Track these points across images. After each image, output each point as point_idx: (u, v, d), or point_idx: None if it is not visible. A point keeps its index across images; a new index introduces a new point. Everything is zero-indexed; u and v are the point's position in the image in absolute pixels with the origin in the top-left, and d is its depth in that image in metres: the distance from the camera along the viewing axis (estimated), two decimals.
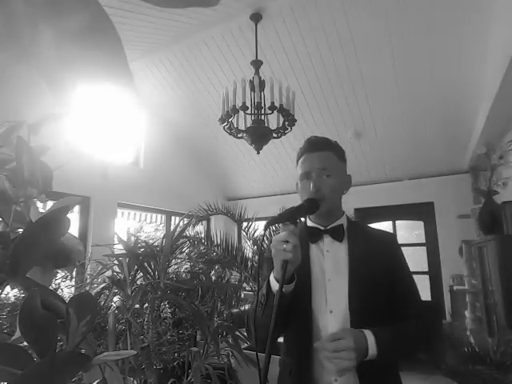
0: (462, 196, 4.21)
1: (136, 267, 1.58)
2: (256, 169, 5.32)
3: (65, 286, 2.14)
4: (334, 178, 1.06)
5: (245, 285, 3.20)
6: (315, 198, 1.02)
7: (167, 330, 1.93)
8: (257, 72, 2.82)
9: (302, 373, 1.00)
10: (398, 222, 4.89)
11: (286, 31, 3.18)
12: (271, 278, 0.97)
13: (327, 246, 1.08)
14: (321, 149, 1.09)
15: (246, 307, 3.30)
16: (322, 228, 1.09)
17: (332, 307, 1.00)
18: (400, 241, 1.15)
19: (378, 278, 1.00)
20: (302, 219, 1.16)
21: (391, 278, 1.02)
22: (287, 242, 0.88)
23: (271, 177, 5.42)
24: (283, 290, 0.88)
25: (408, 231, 4.88)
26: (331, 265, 1.05)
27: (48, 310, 0.34)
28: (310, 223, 1.13)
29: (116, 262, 1.63)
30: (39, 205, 0.50)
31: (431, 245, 4.52)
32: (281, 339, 1.12)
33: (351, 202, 1.19)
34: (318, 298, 1.02)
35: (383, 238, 1.12)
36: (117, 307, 1.45)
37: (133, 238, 1.72)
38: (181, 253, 2.18)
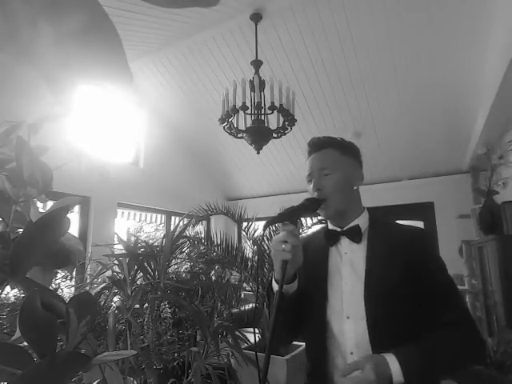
0: (462, 196, 4.20)
1: (136, 267, 1.58)
2: (256, 169, 5.32)
3: (65, 285, 2.13)
4: (336, 174, 1.02)
5: (245, 285, 3.19)
6: (317, 197, 1.01)
7: (167, 330, 1.92)
8: (257, 72, 2.82)
9: (317, 377, 0.99)
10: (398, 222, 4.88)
11: (286, 31, 3.18)
12: (273, 278, 0.97)
13: (345, 248, 1.03)
14: (320, 148, 1.07)
15: (246, 307, 3.30)
16: (339, 229, 1.05)
17: (349, 312, 0.94)
18: None
19: (399, 279, 0.91)
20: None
21: (418, 277, 0.91)
22: (286, 242, 0.87)
23: (271, 177, 5.42)
24: (283, 290, 0.88)
25: None
26: (348, 268, 1.00)
27: (48, 310, 0.34)
28: (330, 226, 1.09)
29: (116, 262, 1.62)
30: (39, 205, 0.50)
31: None
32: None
33: None
34: (334, 303, 0.97)
35: (408, 234, 1.01)
36: (117, 307, 1.45)
37: (133, 238, 1.71)
38: (181, 253, 2.17)
